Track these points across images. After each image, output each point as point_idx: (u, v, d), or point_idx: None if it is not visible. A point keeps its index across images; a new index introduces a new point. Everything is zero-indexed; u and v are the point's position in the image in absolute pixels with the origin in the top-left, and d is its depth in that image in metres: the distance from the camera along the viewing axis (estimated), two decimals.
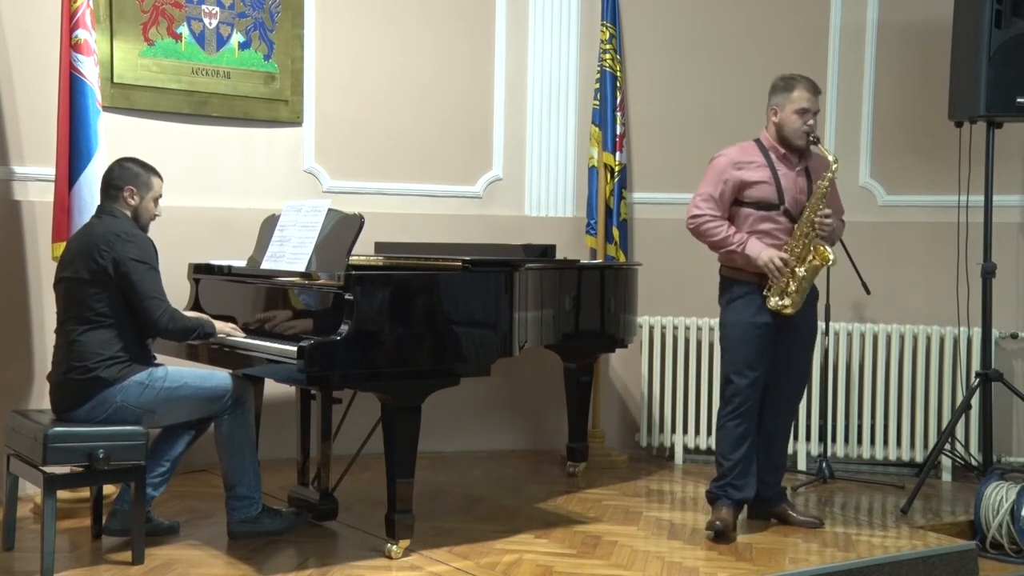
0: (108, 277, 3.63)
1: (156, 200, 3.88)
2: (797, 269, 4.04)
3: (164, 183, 3.91)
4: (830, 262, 4.05)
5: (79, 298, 3.66)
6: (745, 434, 4.15)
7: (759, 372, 4.12)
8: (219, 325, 3.89)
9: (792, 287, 4.04)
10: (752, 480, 4.19)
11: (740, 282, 4.15)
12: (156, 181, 3.88)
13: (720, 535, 4.03)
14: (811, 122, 4.10)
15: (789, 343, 4.17)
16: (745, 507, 4.29)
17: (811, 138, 4.10)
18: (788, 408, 4.32)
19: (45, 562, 3.40)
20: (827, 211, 4.04)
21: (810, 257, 4.04)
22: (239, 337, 3.89)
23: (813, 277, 4.08)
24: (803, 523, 4.23)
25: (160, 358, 3.88)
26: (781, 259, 4.01)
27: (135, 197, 3.81)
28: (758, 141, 4.20)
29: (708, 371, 5.39)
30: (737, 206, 4.15)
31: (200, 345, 3.98)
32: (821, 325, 5.02)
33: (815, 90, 4.13)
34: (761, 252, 4.04)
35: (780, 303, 4.05)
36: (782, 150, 4.14)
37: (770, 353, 4.15)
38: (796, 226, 4.07)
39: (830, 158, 4.07)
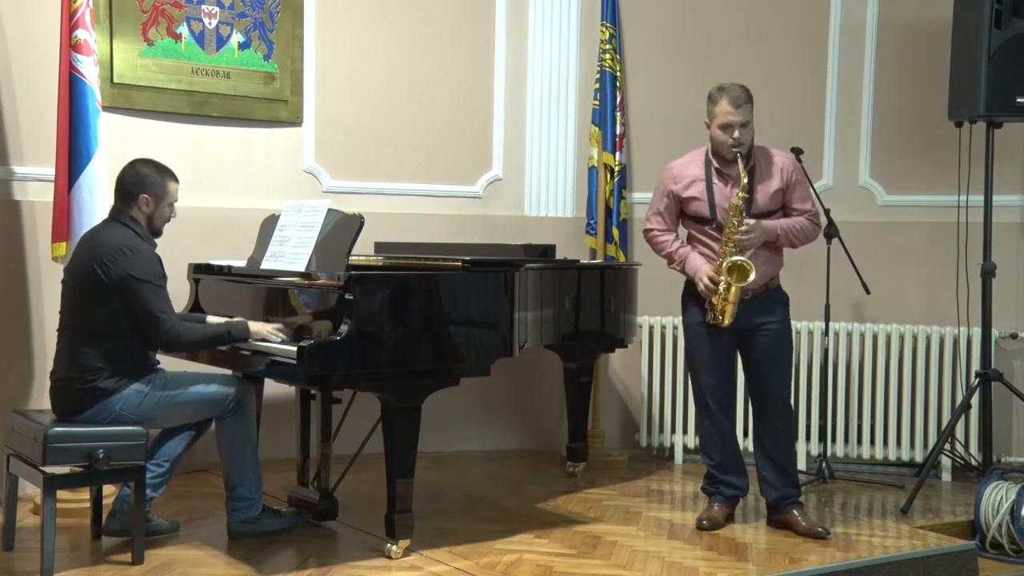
0: (109, 290, 3.60)
1: (171, 205, 3.83)
2: (722, 283, 4.00)
3: (180, 186, 3.88)
4: (744, 283, 3.93)
5: (81, 307, 3.65)
6: (720, 434, 4.22)
7: (719, 371, 4.16)
8: (255, 327, 3.73)
9: (722, 300, 4.00)
10: (742, 477, 4.30)
11: (692, 284, 4.18)
12: (172, 186, 3.83)
13: (709, 531, 4.16)
14: (736, 134, 3.96)
15: (756, 347, 4.14)
16: (766, 514, 4.30)
17: (736, 152, 3.97)
18: (777, 413, 4.17)
19: (45, 562, 3.40)
20: (743, 227, 3.95)
21: (732, 275, 3.97)
22: (276, 341, 3.70)
23: (739, 292, 3.99)
24: (808, 533, 4.10)
25: (161, 361, 3.85)
26: (709, 276, 4.02)
27: (150, 205, 3.76)
28: (708, 151, 4.14)
29: None
30: (683, 217, 4.21)
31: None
32: (820, 325, 5.05)
33: (738, 102, 3.98)
34: (696, 269, 4.08)
35: (713, 318, 4.06)
36: (716, 164, 4.10)
37: (732, 354, 4.19)
38: (721, 242, 4.03)
39: (744, 180, 3.95)
